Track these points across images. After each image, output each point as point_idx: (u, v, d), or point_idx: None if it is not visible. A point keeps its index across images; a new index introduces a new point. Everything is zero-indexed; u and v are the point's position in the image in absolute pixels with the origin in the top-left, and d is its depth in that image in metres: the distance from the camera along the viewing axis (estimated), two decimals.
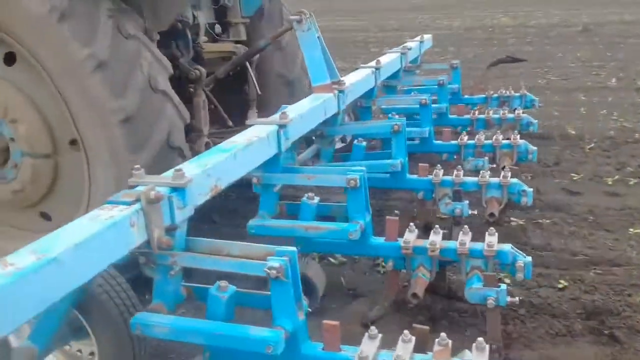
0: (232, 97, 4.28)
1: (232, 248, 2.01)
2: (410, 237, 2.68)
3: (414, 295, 2.58)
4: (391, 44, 12.81)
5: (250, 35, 4.38)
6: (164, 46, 3.62)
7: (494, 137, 4.10)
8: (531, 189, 3.33)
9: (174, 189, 1.89)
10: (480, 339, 1.85)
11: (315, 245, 2.85)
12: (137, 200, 1.75)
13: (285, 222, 2.74)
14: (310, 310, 2.87)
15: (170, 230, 1.92)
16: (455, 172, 3.41)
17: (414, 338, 1.91)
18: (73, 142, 2.94)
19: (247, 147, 2.39)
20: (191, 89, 3.63)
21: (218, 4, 4.05)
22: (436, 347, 1.85)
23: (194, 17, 3.84)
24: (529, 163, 4.33)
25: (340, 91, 3.45)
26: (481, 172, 3.39)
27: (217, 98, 4.11)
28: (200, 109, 3.49)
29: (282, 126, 2.68)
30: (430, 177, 3.41)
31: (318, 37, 3.40)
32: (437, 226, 2.73)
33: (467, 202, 3.33)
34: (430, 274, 2.67)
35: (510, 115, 4.86)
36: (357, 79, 3.90)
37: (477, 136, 4.15)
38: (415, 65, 5.69)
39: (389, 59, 4.76)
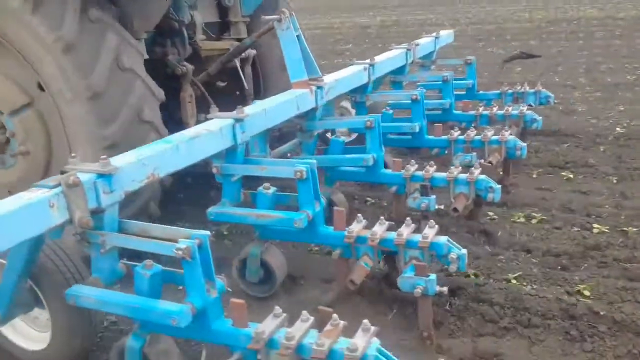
0: (230, 92, 4.50)
1: (158, 230, 2.23)
2: (356, 227, 2.80)
3: (351, 282, 2.71)
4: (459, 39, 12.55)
5: (252, 33, 4.58)
6: (160, 44, 3.91)
7: (483, 133, 4.12)
8: (499, 186, 3.35)
9: (100, 175, 2.13)
10: (365, 320, 1.98)
11: (272, 233, 3.02)
12: (59, 184, 1.99)
13: (240, 210, 2.93)
14: (269, 293, 3.10)
15: (98, 213, 2.16)
16: (426, 167, 3.49)
17: (312, 319, 2.05)
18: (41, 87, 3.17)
19: (193, 140, 2.59)
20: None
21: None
22: (327, 327, 1.99)
23: (191, 16, 4.09)
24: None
25: (319, 87, 3.60)
26: (450, 167, 3.44)
27: (216, 93, 4.36)
28: (186, 103, 3.74)
29: (238, 120, 2.86)
30: (402, 172, 3.50)
31: (297, 36, 3.56)
32: (382, 218, 2.84)
33: (434, 197, 3.40)
34: (373, 262, 2.78)
35: (514, 112, 4.82)
36: (345, 75, 4.03)
37: (467, 132, 4.18)
38: (430, 61, 5.74)
39: (391, 55, 4.85)
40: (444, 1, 22.07)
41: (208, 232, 2.11)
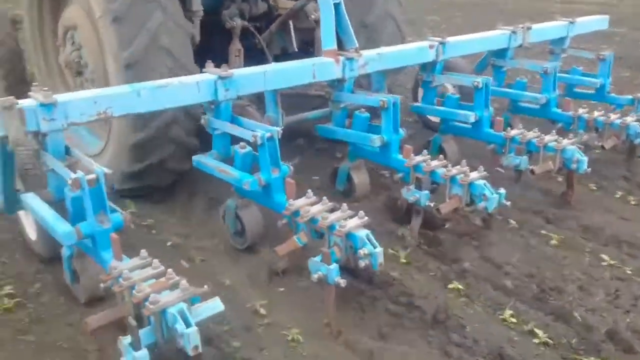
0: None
1: (86, 162, 2.54)
2: (299, 201, 2.80)
3: (275, 251, 2.75)
4: None
5: None
6: None
7: (540, 136, 3.64)
8: (495, 195, 3.00)
9: (42, 105, 2.49)
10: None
11: (242, 191, 3.14)
12: None
13: (212, 162, 3.10)
14: (243, 246, 3.25)
15: (42, 135, 2.54)
16: (430, 160, 3.26)
17: (161, 267, 2.20)
18: None
19: (159, 88, 2.83)
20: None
21: None
22: (161, 279, 2.13)
23: None
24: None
25: (348, 59, 3.53)
26: (448, 166, 3.16)
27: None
28: (233, 56, 3.95)
29: (222, 78, 3.01)
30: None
31: (337, 4, 3.52)
32: (325, 198, 2.78)
33: (427, 192, 3.18)
34: (307, 239, 2.76)
35: (617, 121, 4.12)
36: (394, 50, 3.86)
37: (522, 132, 3.73)
38: (561, 48, 5.11)
39: (485, 36, 4.46)
40: None
41: (104, 169, 2.36)
